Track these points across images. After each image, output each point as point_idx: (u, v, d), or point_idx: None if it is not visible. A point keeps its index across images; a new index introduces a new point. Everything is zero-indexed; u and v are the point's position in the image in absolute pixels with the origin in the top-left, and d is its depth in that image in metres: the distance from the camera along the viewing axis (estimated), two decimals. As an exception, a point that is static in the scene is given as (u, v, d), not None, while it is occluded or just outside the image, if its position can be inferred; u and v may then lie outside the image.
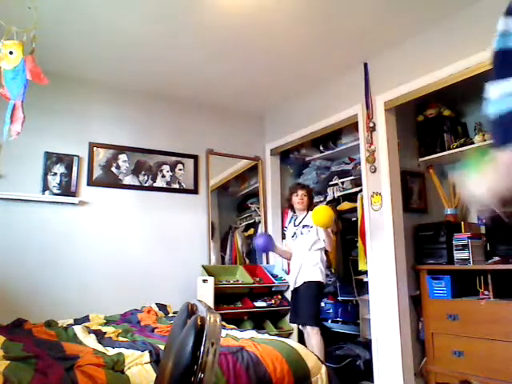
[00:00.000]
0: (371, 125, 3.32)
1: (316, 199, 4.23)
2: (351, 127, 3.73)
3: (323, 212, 3.06)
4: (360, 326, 3.61)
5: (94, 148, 3.71)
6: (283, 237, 4.40)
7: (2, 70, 2.00)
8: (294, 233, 3.37)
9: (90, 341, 2.34)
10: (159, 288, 3.70)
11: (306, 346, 2.43)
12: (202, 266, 3.83)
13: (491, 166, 0.76)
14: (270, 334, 2.68)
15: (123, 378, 1.79)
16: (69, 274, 3.39)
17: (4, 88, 2.02)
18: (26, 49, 2.03)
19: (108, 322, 3.00)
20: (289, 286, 4.00)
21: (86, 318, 3.06)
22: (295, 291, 3.26)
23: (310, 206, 3.38)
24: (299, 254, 3.27)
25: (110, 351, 2.09)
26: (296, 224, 3.38)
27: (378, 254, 3.20)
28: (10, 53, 1.96)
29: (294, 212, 3.47)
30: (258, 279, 3.93)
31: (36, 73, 2.01)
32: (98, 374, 1.73)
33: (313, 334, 3.03)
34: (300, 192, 3.36)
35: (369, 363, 3.25)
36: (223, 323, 2.80)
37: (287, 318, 3.94)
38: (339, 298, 3.94)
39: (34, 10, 2.00)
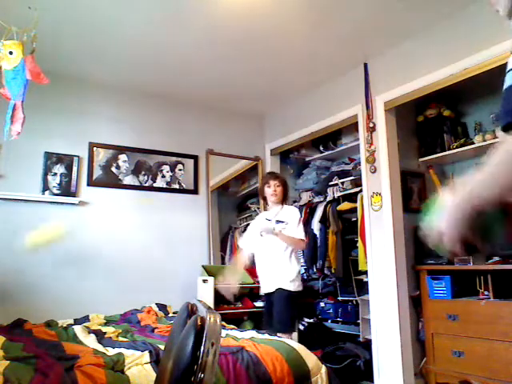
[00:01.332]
0: (371, 125, 3.32)
1: (316, 199, 4.23)
2: (351, 127, 3.73)
3: (40, 236, 2.87)
4: (360, 325, 3.61)
5: (94, 148, 3.70)
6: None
7: (3, 69, 2.00)
8: None
9: (91, 341, 2.35)
10: (159, 288, 3.70)
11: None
12: (202, 266, 3.83)
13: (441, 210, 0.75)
14: (270, 334, 2.68)
15: (123, 378, 1.79)
16: (69, 274, 3.39)
17: (5, 88, 2.02)
18: (27, 48, 2.03)
19: (108, 322, 3.01)
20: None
21: (86, 318, 3.06)
22: (269, 296, 2.89)
23: (286, 198, 3.04)
24: (273, 255, 2.87)
25: (110, 351, 2.09)
26: (268, 218, 2.98)
27: (378, 254, 3.20)
28: (10, 53, 1.97)
29: (267, 204, 3.09)
30: (257, 279, 3.92)
31: (36, 72, 2.01)
32: (98, 374, 1.73)
33: None
34: (272, 182, 2.96)
35: (369, 363, 3.25)
36: (223, 323, 2.79)
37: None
38: (339, 298, 3.93)
39: (34, 9, 2.00)
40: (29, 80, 1.99)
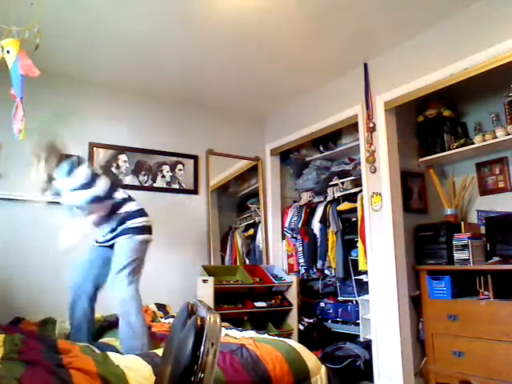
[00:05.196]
0: (371, 125, 3.32)
1: (316, 199, 4.23)
2: (351, 127, 3.73)
3: None
4: (360, 325, 3.61)
5: (94, 148, 3.70)
6: (283, 237, 4.40)
7: (9, 69, 2.00)
8: None
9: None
10: (159, 288, 3.69)
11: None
12: (202, 266, 3.82)
13: None
14: (270, 335, 2.67)
15: (118, 369, 1.77)
16: (69, 275, 3.38)
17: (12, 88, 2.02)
18: (31, 45, 2.02)
19: (105, 321, 2.99)
20: (289, 286, 4.02)
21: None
22: None
23: None
24: None
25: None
26: None
27: (378, 254, 3.20)
28: (8, 52, 1.96)
29: None
30: (258, 279, 3.93)
31: (27, 65, 2.00)
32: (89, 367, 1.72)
33: None
34: None
35: (369, 363, 3.25)
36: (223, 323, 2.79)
37: (288, 318, 3.95)
38: (339, 298, 3.93)
39: (36, 5, 2.00)
40: (23, 75, 1.99)
